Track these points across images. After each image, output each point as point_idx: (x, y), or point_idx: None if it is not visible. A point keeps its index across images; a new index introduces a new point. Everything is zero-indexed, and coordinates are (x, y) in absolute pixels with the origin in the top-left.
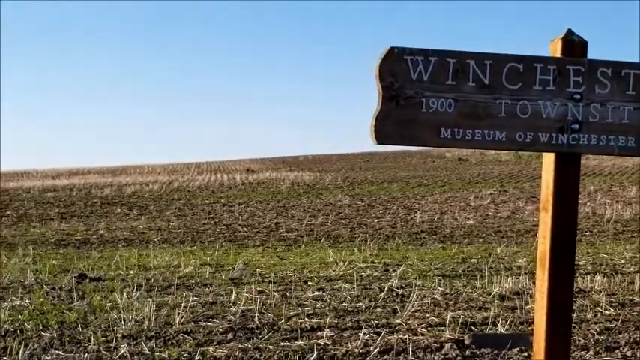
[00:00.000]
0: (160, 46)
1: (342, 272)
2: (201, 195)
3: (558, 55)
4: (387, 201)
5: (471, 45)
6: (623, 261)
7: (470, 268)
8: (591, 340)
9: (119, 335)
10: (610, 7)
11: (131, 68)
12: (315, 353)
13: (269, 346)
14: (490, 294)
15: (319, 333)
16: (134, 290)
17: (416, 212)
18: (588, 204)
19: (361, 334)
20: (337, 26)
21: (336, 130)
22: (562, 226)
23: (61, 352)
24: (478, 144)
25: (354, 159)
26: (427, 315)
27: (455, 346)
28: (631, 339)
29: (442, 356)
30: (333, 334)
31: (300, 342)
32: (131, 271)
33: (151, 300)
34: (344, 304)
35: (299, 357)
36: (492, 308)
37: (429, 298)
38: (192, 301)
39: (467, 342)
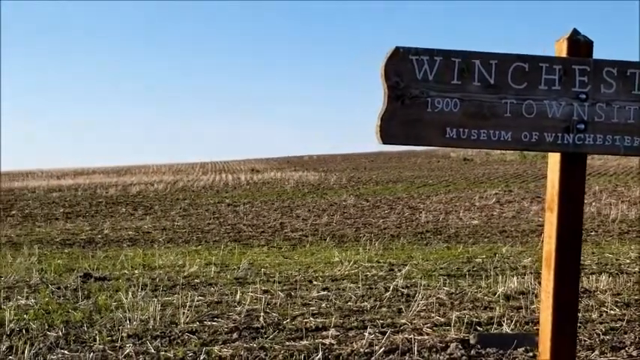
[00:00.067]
0: (160, 46)
1: (347, 272)
2: (205, 195)
3: (564, 54)
4: (392, 201)
5: (471, 45)
6: (628, 261)
7: (475, 268)
8: (597, 340)
9: (124, 335)
10: (610, 7)
11: (131, 68)
12: (320, 353)
13: (274, 345)
14: (495, 294)
15: (324, 333)
16: (139, 290)
17: (421, 212)
18: (593, 204)
19: (366, 334)
20: (337, 26)
21: (336, 130)
22: (568, 225)
23: (66, 352)
24: (484, 144)
25: (358, 159)
26: (432, 315)
27: (460, 346)
28: (636, 339)
29: (447, 356)
30: (338, 333)
31: (305, 342)
32: (136, 271)
33: (156, 299)
34: (349, 303)
35: (304, 357)
36: (498, 308)
37: (434, 298)
38: (198, 301)
39: (472, 342)
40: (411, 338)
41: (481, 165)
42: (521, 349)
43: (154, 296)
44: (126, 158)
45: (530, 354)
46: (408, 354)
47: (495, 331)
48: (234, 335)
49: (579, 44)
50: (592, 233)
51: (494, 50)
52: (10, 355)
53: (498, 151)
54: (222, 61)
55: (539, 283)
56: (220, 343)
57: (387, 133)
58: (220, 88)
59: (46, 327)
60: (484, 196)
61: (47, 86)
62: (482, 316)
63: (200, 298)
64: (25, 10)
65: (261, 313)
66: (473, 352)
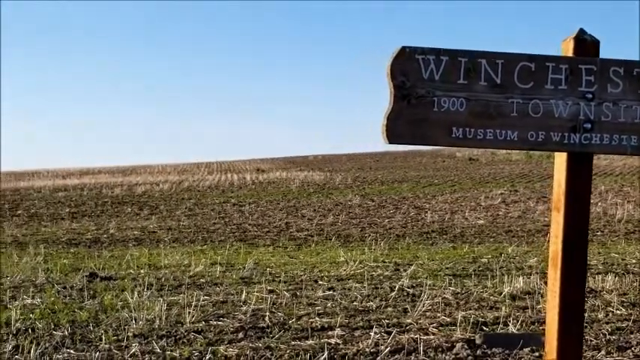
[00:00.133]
0: (160, 46)
1: (352, 272)
2: (211, 194)
3: (570, 54)
4: (398, 200)
5: (471, 45)
6: (634, 261)
7: (481, 268)
8: (603, 340)
9: (130, 334)
10: (610, 7)
11: (131, 68)
12: (325, 352)
13: (280, 345)
14: (501, 294)
15: (330, 332)
16: (145, 289)
17: (426, 212)
18: (599, 204)
19: (372, 334)
20: (337, 26)
21: (337, 130)
22: (574, 225)
23: (72, 351)
24: (490, 143)
25: (364, 159)
26: (438, 315)
27: (466, 346)
28: None
29: (453, 356)
30: (343, 333)
31: (310, 341)
32: (142, 271)
33: (161, 299)
34: (355, 303)
35: (310, 356)
36: (503, 308)
37: (440, 298)
38: (203, 301)
39: (478, 342)
40: (417, 338)
41: (487, 165)
42: (527, 349)
43: (160, 296)
44: (126, 158)
45: (536, 354)
46: (413, 354)
47: (501, 331)
48: (240, 335)
49: (586, 44)
50: (598, 233)
51: (494, 50)
52: (17, 355)
53: (504, 151)
54: (222, 61)
55: (545, 283)
56: (226, 342)
57: (393, 133)
58: (220, 88)
59: (52, 326)
60: (490, 196)
61: (47, 86)
62: (488, 316)
63: (206, 297)
64: (25, 10)
65: (267, 313)
66: (479, 352)
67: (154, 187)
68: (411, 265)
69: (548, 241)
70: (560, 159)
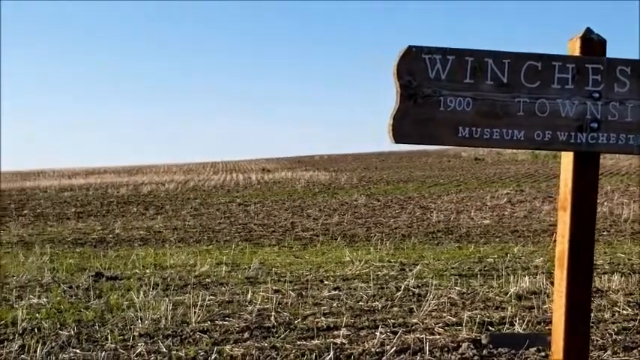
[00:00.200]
0: (160, 46)
1: (358, 271)
2: (216, 194)
3: (577, 53)
4: (403, 200)
5: (471, 45)
6: None
7: (486, 268)
8: (609, 340)
9: (136, 334)
10: (610, 7)
11: (131, 68)
12: (331, 352)
13: (285, 345)
14: (507, 294)
15: (336, 332)
16: (151, 289)
17: (432, 212)
18: (605, 203)
19: (378, 334)
20: (337, 26)
21: (337, 130)
22: (581, 225)
23: (78, 351)
24: (496, 143)
25: (369, 158)
26: (444, 314)
27: (472, 346)
28: None
29: (459, 356)
30: (349, 333)
31: (316, 341)
32: (147, 270)
33: (167, 299)
34: (360, 303)
35: (315, 356)
36: (509, 308)
37: (446, 298)
38: (209, 300)
39: (484, 342)
40: (423, 338)
41: (492, 164)
42: (533, 349)
43: (166, 295)
44: (126, 158)
45: (542, 354)
46: (419, 354)
47: (507, 331)
48: (246, 335)
49: (592, 43)
50: (604, 233)
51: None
52: (23, 354)
53: (510, 151)
54: (222, 61)
55: (551, 282)
56: (232, 342)
57: (400, 133)
58: (220, 88)
59: (58, 326)
60: (495, 196)
61: (47, 86)
62: (494, 315)
63: (211, 297)
64: (25, 10)
65: (273, 313)
66: (485, 351)
67: (159, 187)
68: (417, 264)
69: (554, 240)
70: (567, 158)
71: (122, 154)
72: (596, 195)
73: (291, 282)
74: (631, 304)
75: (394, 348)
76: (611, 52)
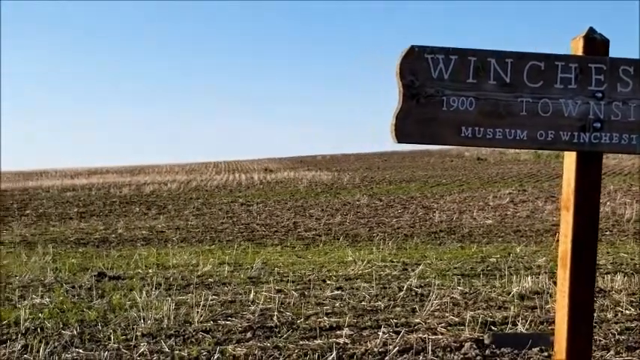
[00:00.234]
0: (160, 46)
1: (360, 271)
2: (219, 194)
3: (580, 53)
4: (406, 200)
5: (471, 45)
6: None
7: (489, 268)
8: (612, 340)
9: (139, 334)
10: (610, 7)
11: (131, 68)
12: (334, 352)
13: (288, 345)
14: (510, 293)
15: (338, 332)
16: (153, 289)
17: (434, 211)
18: (608, 203)
19: (380, 334)
20: (337, 26)
21: (337, 130)
22: (583, 224)
23: (81, 351)
24: (499, 143)
25: (371, 158)
26: (446, 314)
27: (474, 346)
28: None
29: (462, 356)
30: (352, 333)
31: (319, 341)
32: (150, 270)
33: (170, 299)
34: (363, 303)
35: (318, 356)
36: (512, 308)
37: (448, 298)
38: (211, 300)
39: (487, 341)
40: (425, 338)
41: (495, 164)
42: (535, 349)
43: (168, 295)
44: (126, 158)
45: (545, 354)
46: (422, 353)
47: (510, 331)
48: (248, 334)
49: (595, 42)
50: (607, 233)
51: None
52: (26, 354)
53: (512, 151)
54: (222, 61)
55: (554, 282)
56: (234, 342)
57: (402, 132)
58: (220, 88)
59: (61, 326)
60: (498, 196)
61: (47, 86)
62: (497, 315)
63: (214, 297)
64: (25, 10)
65: (275, 313)
66: (487, 351)
67: (161, 187)
68: (419, 264)
69: (557, 240)
70: (570, 158)
71: (122, 154)
72: (599, 195)
73: (293, 282)
74: (634, 304)
75: (397, 348)
76: (613, 52)
